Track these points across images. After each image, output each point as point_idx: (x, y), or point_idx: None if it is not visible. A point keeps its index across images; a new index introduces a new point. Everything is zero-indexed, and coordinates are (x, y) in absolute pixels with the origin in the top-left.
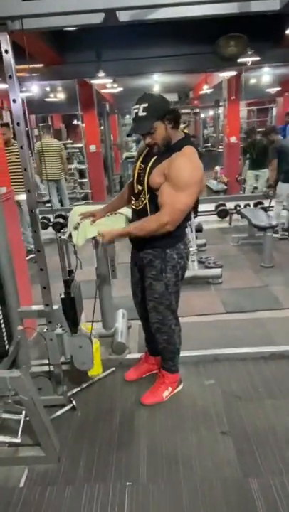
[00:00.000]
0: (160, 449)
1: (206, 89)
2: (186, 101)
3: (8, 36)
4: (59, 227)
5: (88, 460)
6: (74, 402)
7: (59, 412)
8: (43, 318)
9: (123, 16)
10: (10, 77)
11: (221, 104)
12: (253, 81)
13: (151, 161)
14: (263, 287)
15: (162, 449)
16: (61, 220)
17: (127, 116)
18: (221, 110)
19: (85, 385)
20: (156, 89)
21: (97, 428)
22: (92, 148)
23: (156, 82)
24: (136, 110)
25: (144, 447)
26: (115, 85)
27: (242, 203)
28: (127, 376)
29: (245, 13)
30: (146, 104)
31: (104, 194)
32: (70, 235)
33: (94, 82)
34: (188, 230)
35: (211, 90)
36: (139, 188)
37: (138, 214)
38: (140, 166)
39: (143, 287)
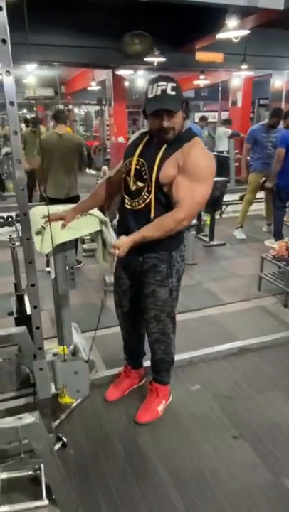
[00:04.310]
0: (181, 469)
1: (93, 86)
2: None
3: None
4: None
5: (110, 503)
6: (64, 438)
7: None
8: None
9: None
10: (3, 41)
11: (104, 102)
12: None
13: (159, 154)
14: (198, 285)
15: (183, 467)
16: None
17: None
18: (104, 108)
19: (63, 416)
20: (31, 81)
21: (101, 462)
22: None
23: (30, 73)
24: (163, 87)
25: (164, 471)
26: None
27: None
28: (108, 396)
29: None
30: (174, 84)
31: None
32: None
33: None
34: (111, 231)
35: (94, 87)
36: (139, 185)
37: (136, 215)
38: (138, 160)
39: (133, 296)
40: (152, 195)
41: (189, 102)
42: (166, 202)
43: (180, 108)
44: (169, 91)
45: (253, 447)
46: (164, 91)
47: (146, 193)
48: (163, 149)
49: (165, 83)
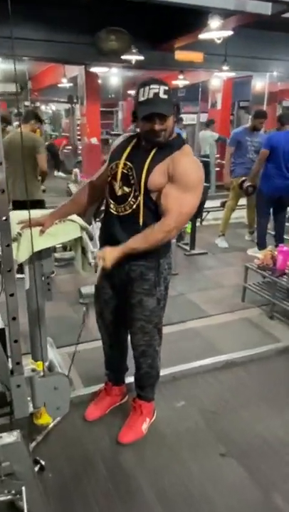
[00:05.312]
0: (168, 489)
1: (64, 83)
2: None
3: None
4: None
5: None
6: (41, 461)
7: None
8: None
9: None
10: None
11: (75, 100)
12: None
13: (148, 159)
14: (180, 296)
15: (170, 487)
16: None
17: None
18: (75, 107)
19: (40, 438)
20: None
21: (83, 485)
22: None
23: None
24: (156, 90)
25: (150, 490)
26: None
27: None
28: (88, 415)
29: None
30: (166, 88)
31: None
32: None
33: None
34: (87, 239)
35: (65, 84)
36: (126, 189)
37: (122, 220)
38: (126, 164)
39: (116, 307)
40: (140, 201)
41: (180, 106)
42: (155, 208)
43: (172, 112)
44: (161, 94)
45: (241, 463)
46: (156, 94)
47: (133, 199)
48: (152, 154)
49: (157, 86)
